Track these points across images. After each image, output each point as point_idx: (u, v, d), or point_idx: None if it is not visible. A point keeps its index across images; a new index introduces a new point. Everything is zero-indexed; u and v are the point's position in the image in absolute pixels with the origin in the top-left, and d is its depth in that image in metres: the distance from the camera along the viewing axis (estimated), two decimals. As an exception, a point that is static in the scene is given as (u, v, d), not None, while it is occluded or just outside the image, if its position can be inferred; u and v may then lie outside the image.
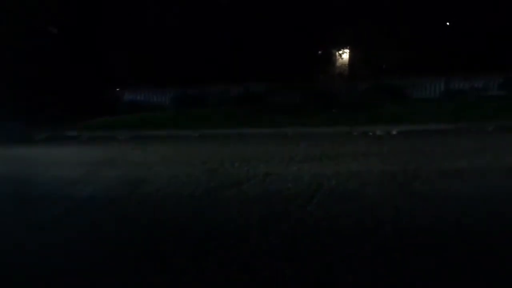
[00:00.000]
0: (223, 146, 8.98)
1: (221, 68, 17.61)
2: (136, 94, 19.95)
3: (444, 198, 4.21)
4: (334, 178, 5.21)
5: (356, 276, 2.56)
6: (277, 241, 3.19)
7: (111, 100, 19.47)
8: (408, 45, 17.29)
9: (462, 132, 9.57)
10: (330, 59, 20.04)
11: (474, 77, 17.03)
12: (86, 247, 3.29)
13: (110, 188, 5.29)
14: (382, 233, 3.25)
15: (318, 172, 5.67)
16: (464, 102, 14.02)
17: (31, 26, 15.79)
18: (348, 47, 19.92)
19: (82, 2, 17.02)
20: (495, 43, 16.22)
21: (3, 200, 5.11)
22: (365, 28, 17.13)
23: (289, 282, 2.54)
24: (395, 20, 16.87)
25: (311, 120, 12.40)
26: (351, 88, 17.74)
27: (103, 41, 17.72)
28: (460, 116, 11.37)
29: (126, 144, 10.14)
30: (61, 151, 9.29)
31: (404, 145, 8.20)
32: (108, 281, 2.66)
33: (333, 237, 3.25)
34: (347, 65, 20.13)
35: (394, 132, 10.23)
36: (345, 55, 20.22)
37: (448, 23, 18.06)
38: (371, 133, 10.25)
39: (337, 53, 20.06)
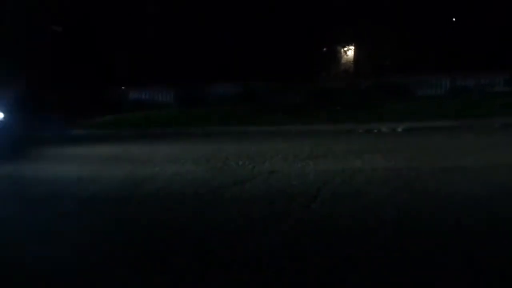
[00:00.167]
0: (226, 144, 8.97)
1: (224, 67, 17.62)
2: (140, 93, 20.01)
3: (450, 196, 4.17)
4: (339, 175, 5.17)
5: (359, 276, 2.54)
6: (280, 240, 3.17)
7: (116, 99, 19.56)
8: (413, 42, 17.21)
9: (468, 129, 9.50)
10: (335, 56, 19.98)
11: (480, 74, 16.92)
12: (86, 247, 3.27)
13: (113, 187, 5.29)
14: (386, 232, 3.22)
15: (322, 169, 5.64)
16: (469, 99, 13.92)
17: (32, 26, 15.82)
18: (353, 44, 19.85)
19: (84, 2, 17.04)
20: (500, 40, 16.11)
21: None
22: (370, 26, 17.06)
23: (292, 282, 2.51)
24: (400, 17, 16.78)
25: (315, 117, 12.37)
26: (355, 85, 17.67)
27: (108, 41, 17.76)
28: (465, 113, 11.31)
29: (131, 142, 10.13)
30: (69, 150, 9.24)
31: (409, 142, 8.15)
32: (108, 281, 2.65)
33: (337, 236, 3.22)
34: (352, 62, 20.07)
35: (399, 130, 10.18)
36: (350, 52, 20.15)
37: (453, 20, 17.95)
38: (375, 131, 10.20)
39: (342, 50, 19.99)
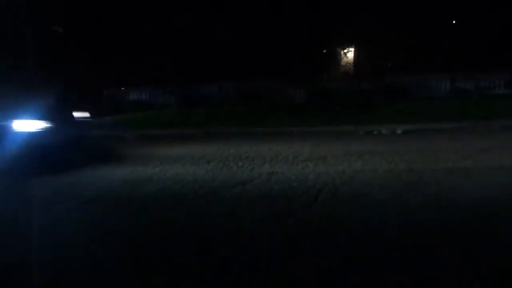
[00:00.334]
0: (227, 144, 8.96)
1: (225, 67, 17.63)
2: (140, 93, 20.05)
3: (450, 197, 4.17)
4: (339, 177, 5.17)
5: (359, 276, 2.53)
6: (280, 240, 3.17)
7: (117, 99, 19.58)
8: (413, 43, 17.22)
9: (468, 131, 9.50)
10: (335, 57, 20.00)
11: (480, 75, 16.93)
12: (86, 246, 3.27)
13: (114, 187, 5.29)
14: (387, 233, 3.22)
15: (322, 171, 5.64)
16: (469, 100, 13.92)
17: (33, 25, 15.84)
18: (353, 45, 19.86)
19: (84, 4, 17.07)
20: (501, 41, 16.11)
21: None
22: (370, 27, 17.08)
23: (293, 282, 2.51)
24: (400, 18, 16.79)
25: (316, 119, 12.37)
26: (355, 86, 17.69)
27: (107, 41, 17.78)
28: (466, 114, 11.30)
29: (131, 143, 10.14)
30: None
31: (409, 144, 8.14)
32: (108, 281, 2.64)
33: (337, 236, 3.21)
34: (352, 64, 20.08)
35: (399, 131, 10.17)
36: (350, 53, 20.17)
37: (454, 22, 17.96)
38: (376, 132, 10.20)
39: (342, 52, 20.01)
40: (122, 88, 20.16)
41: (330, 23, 17.35)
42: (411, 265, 2.64)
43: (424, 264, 2.64)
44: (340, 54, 20.14)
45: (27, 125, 6.43)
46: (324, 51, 19.86)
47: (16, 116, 6.45)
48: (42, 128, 6.46)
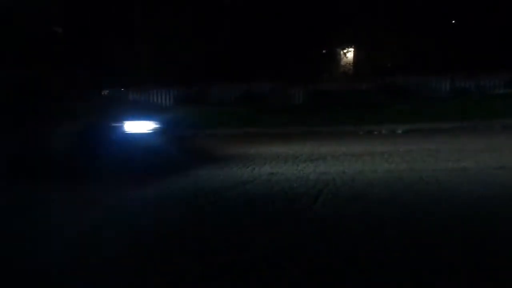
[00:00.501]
0: (227, 145, 8.96)
1: (224, 68, 17.64)
2: (140, 94, 20.01)
3: (451, 197, 4.16)
4: (340, 177, 5.17)
5: (359, 276, 2.53)
6: (281, 240, 3.16)
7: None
8: (413, 44, 17.23)
9: (468, 131, 9.50)
10: (335, 58, 20.02)
11: (480, 75, 16.94)
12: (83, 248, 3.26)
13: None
14: (386, 233, 3.22)
15: (323, 171, 5.64)
16: (469, 100, 13.93)
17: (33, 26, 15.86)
18: (353, 46, 19.88)
19: (83, 3, 17.09)
20: (501, 42, 16.13)
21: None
22: (370, 27, 17.09)
23: (292, 282, 2.50)
24: (400, 19, 16.81)
25: (316, 119, 12.37)
26: (355, 87, 17.70)
27: (107, 41, 17.79)
28: (466, 114, 11.31)
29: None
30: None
31: (409, 144, 8.14)
32: (109, 281, 2.64)
33: (338, 237, 3.21)
34: (351, 64, 20.10)
35: (399, 131, 10.18)
36: (349, 54, 20.18)
37: (453, 22, 17.96)
38: (376, 132, 10.20)
39: (341, 52, 20.03)
40: (122, 89, 20.13)
41: (330, 24, 17.37)
42: (411, 265, 2.64)
43: (424, 264, 2.63)
44: (340, 55, 20.16)
45: (139, 126, 6.18)
46: (324, 51, 19.87)
47: (127, 118, 6.18)
48: (152, 129, 6.25)
